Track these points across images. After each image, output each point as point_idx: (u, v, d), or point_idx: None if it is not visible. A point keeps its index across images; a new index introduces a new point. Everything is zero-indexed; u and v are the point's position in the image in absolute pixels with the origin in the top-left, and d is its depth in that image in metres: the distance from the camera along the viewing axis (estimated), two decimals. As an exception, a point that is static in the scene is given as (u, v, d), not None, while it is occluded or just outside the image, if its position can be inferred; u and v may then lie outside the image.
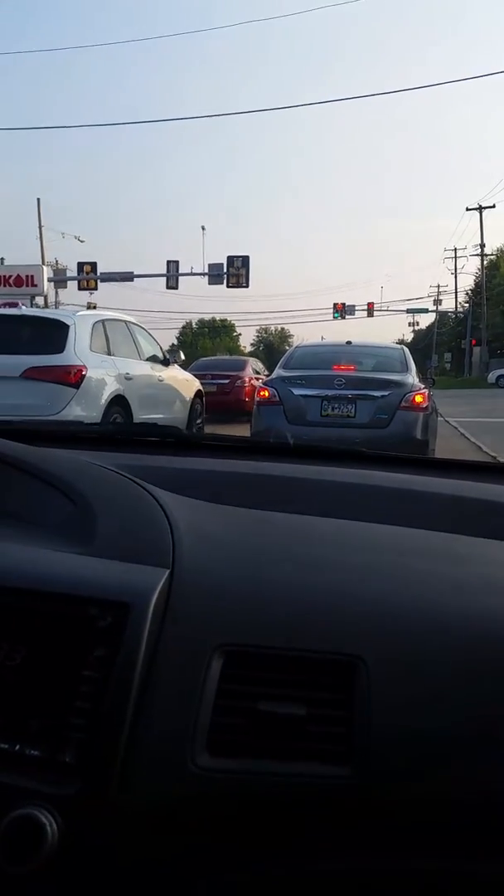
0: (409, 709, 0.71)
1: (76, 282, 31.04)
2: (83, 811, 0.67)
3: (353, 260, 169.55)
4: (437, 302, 62.03)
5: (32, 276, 26.21)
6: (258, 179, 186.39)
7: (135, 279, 31.38)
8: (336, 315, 45.11)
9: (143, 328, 8.97)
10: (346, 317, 45.70)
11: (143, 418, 7.65)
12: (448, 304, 62.27)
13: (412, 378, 7.34)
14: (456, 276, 58.96)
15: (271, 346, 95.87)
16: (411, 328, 78.71)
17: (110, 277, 30.81)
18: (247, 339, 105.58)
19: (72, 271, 32.02)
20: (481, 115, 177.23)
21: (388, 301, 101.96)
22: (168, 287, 30.50)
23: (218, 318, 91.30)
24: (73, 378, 6.54)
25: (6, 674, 0.71)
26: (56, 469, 0.95)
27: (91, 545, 0.82)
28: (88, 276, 30.15)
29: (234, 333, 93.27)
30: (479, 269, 51.07)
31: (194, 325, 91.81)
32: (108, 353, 7.37)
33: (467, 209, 48.72)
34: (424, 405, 6.95)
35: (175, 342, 65.43)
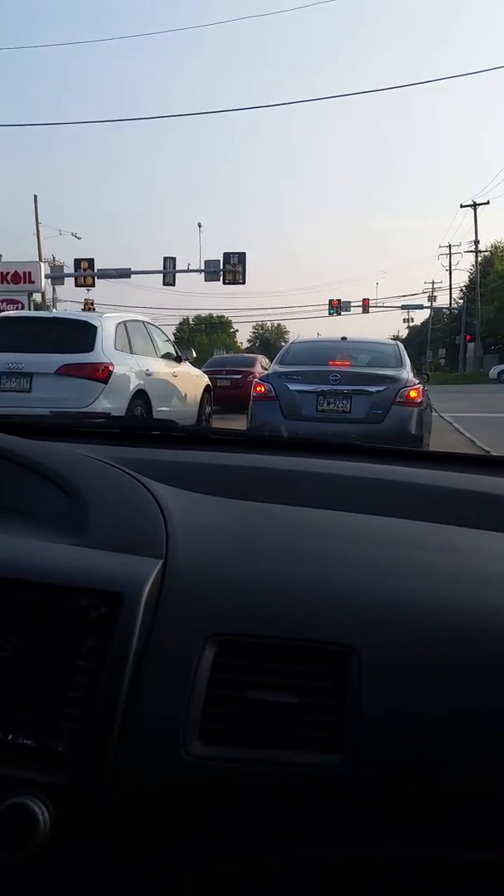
0: (400, 699, 0.71)
1: (73, 278, 30.98)
2: (75, 800, 0.67)
3: (348, 257, 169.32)
4: (432, 298, 61.88)
5: (30, 273, 26.11)
6: (255, 177, 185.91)
7: (132, 276, 31.34)
8: (331, 311, 45.05)
9: (158, 327, 9.77)
10: (342, 313, 45.64)
11: (160, 410, 8.41)
12: (442, 301, 62.29)
13: (407, 373, 7.36)
14: (451, 273, 58.95)
15: (267, 343, 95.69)
16: (406, 324, 78.88)
17: (107, 274, 30.71)
18: (243, 336, 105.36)
19: (69, 268, 31.88)
20: (476, 112, 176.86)
21: (383, 297, 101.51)
22: (165, 284, 30.44)
23: (214, 315, 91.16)
24: (101, 374, 7.23)
25: None
26: (50, 462, 0.95)
27: (85, 536, 0.82)
28: (86, 272, 30.06)
29: (231, 330, 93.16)
30: (473, 266, 51.08)
31: (191, 322, 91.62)
32: (130, 352, 8.06)
33: (461, 206, 48.72)
34: (419, 400, 6.98)
35: (172, 338, 64.93)
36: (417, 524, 0.98)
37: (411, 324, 79.31)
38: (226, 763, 0.69)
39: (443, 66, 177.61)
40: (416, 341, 68.95)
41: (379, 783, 0.70)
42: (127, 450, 1.22)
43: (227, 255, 28.22)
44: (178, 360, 9.68)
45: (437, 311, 63.49)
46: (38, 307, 30.06)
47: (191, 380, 10.00)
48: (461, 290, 58.17)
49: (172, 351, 9.72)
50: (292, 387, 7.14)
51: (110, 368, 7.33)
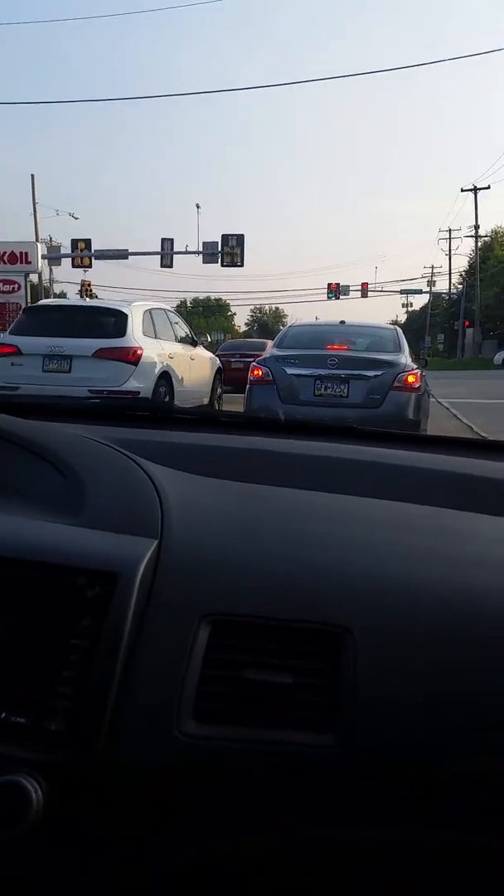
0: (395, 681, 0.71)
1: (70, 259, 30.84)
2: (69, 778, 0.68)
3: (347, 240, 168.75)
4: (431, 283, 61.87)
5: (27, 253, 25.98)
6: (254, 158, 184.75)
7: (129, 257, 31.19)
8: (330, 295, 45.02)
9: (176, 314, 10.87)
10: (341, 297, 45.60)
11: (180, 390, 9.36)
12: (442, 286, 62.20)
13: (405, 358, 7.35)
14: (450, 258, 58.85)
15: (265, 326, 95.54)
16: (405, 309, 78.78)
17: (104, 255, 30.58)
18: (241, 319, 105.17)
19: (66, 248, 31.74)
20: (479, 95, 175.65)
21: (381, 282, 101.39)
22: (163, 265, 30.31)
23: (212, 298, 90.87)
24: (132, 357, 8.19)
25: None
26: (46, 441, 0.95)
27: (80, 516, 0.82)
28: (83, 253, 29.91)
29: (229, 313, 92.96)
30: (472, 251, 50.93)
31: (189, 305, 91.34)
32: (155, 337, 9.00)
33: (462, 190, 48.57)
34: (417, 385, 6.98)
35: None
36: (414, 507, 0.98)
37: (410, 309, 79.31)
38: (220, 742, 0.69)
39: (447, 47, 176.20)
40: (415, 326, 68.95)
41: (373, 764, 0.70)
42: (123, 430, 1.22)
43: (225, 237, 28.12)
44: (194, 344, 10.59)
45: (436, 297, 63.40)
46: (34, 288, 29.97)
47: (205, 362, 10.95)
48: (461, 276, 58.13)
49: (189, 336, 10.63)
50: (290, 371, 7.13)
51: (140, 352, 8.26)
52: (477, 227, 49.46)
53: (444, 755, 0.70)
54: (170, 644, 0.71)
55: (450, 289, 59.82)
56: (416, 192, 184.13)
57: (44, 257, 28.86)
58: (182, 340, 10.19)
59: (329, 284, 45.51)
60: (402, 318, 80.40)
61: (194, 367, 10.19)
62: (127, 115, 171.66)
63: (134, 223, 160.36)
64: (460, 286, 56.22)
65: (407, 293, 58.62)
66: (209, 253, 28.43)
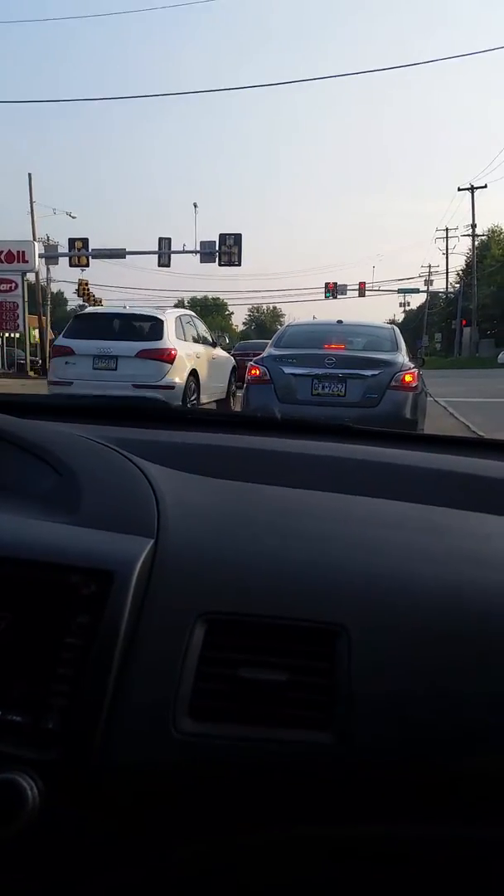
0: (390, 678, 0.71)
1: (67, 258, 30.80)
2: (65, 776, 0.68)
3: (345, 240, 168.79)
4: (428, 282, 61.91)
5: (24, 252, 25.98)
6: (251, 158, 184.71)
7: (127, 256, 31.15)
8: (327, 295, 45.02)
9: (199, 319, 12.35)
10: (338, 296, 45.60)
11: (205, 386, 10.83)
12: (439, 285, 62.24)
13: (402, 357, 7.37)
14: (447, 257, 58.86)
15: (263, 325, 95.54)
16: (402, 308, 78.72)
17: (102, 254, 30.57)
18: (238, 318, 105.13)
19: (63, 247, 31.74)
20: (476, 95, 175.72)
21: (379, 281, 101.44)
22: (160, 265, 30.32)
23: (210, 297, 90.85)
24: (169, 357, 9.65)
25: None
26: (42, 440, 0.95)
27: (76, 515, 0.82)
28: (80, 252, 29.92)
29: (226, 312, 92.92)
30: (469, 250, 50.97)
31: (186, 304, 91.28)
32: (185, 339, 10.49)
33: (459, 189, 48.61)
34: (414, 385, 7.00)
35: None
36: (408, 506, 0.98)
37: (407, 308, 79.26)
38: (216, 740, 0.69)
39: (442, 46, 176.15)
40: (412, 325, 68.91)
41: (369, 762, 0.70)
42: (119, 430, 1.22)
43: (222, 237, 28.14)
44: (214, 345, 12.06)
45: (433, 296, 63.46)
46: (31, 287, 29.90)
47: (223, 361, 12.38)
48: (458, 275, 58.16)
49: (209, 338, 12.17)
50: (287, 370, 7.14)
51: (174, 352, 9.72)
52: (474, 226, 49.52)
53: (440, 752, 0.71)
54: (166, 642, 0.71)
55: (447, 288, 59.89)
56: (414, 192, 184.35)
57: (41, 256, 28.84)
58: (204, 342, 11.60)
59: (326, 284, 45.52)
60: (400, 317, 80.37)
61: (215, 365, 11.59)
62: (125, 114, 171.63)
63: (131, 222, 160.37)
64: (457, 285, 56.27)
65: (404, 292, 58.82)
66: (207, 252, 28.45)
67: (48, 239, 36.03)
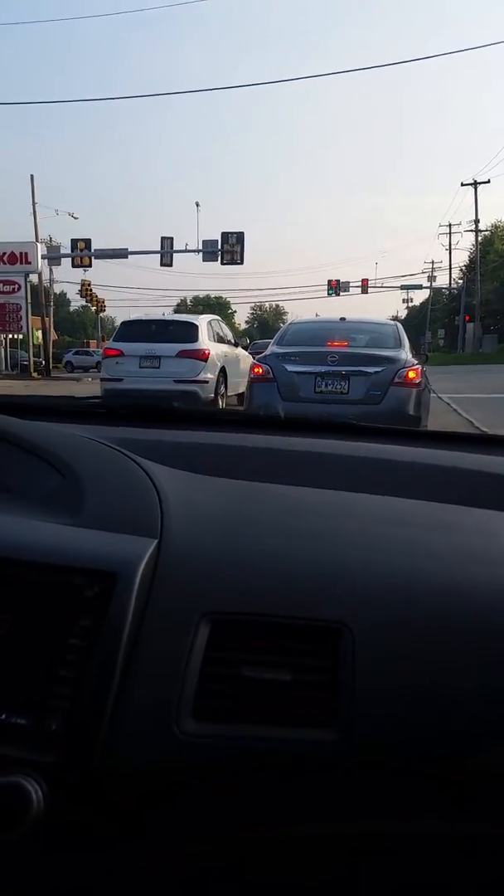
0: (394, 676, 0.71)
1: (70, 259, 30.82)
2: (69, 778, 0.68)
3: (348, 236, 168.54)
4: (432, 278, 61.67)
5: (26, 254, 26.00)
6: (254, 156, 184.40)
7: (129, 256, 31.18)
8: (330, 292, 45.00)
9: (223, 322, 14.17)
10: (341, 293, 45.58)
11: (230, 381, 12.28)
12: (442, 281, 62.03)
13: (405, 354, 7.34)
14: (450, 252, 58.76)
15: (266, 324, 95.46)
16: (405, 305, 78.48)
17: (104, 254, 30.62)
18: (241, 317, 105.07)
19: (65, 248, 31.75)
20: (479, 89, 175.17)
21: (382, 277, 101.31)
22: (162, 264, 30.33)
23: (213, 296, 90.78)
24: (204, 356, 11.30)
25: None
26: (45, 442, 0.95)
27: (79, 516, 0.82)
28: (82, 252, 29.96)
29: (229, 311, 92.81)
30: (473, 245, 50.84)
31: (189, 303, 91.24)
32: (214, 341, 12.11)
33: (462, 184, 48.44)
34: (417, 381, 6.97)
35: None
36: (411, 502, 0.98)
37: (410, 304, 79.04)
38: (219, 739, 0.69)
39: (445, 40, 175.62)
40: (416, 322, 68.87)
41: (372, 760, 0.70)
42: (123, 430, 1.22)
43: (225, 235, 28.14)
44: (235, 345, 13.68)
45: (436, 292, 63.26)
46: (34, 288, 29.89)
47: (243, 359, 13.33)
48: (461, 270, 57.98)
49: (231, 339, 13.84)
50: (290, 368, 7.13)
51: (208, 352, 11.39)
52: (477, 221, 49.42)
53: (444, 749, 0.70)
54: (169, 643, 0.71)
55: (450, 284, 59.69)
56: (417, 188, 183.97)
57: (44, 257, 28.87)
58: (228, 342, 13.23)
59: (329, 281, 45.53)
60: (403, 313, 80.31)
61: (237, 362, 12.90)
62: (127, 114, 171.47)
63: (134, 222, 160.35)
64: (461, 281, 56.10)
65: (407, 288, 58.68)
66: (209, 251, 28.45)
67: (51, 240, 36.10)
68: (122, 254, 30.80)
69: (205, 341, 11.62)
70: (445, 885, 0.77)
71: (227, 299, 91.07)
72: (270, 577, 0.77)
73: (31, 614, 0.72)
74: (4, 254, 25.75)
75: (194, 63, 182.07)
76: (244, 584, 0.76)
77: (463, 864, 0.76)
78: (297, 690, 0.71)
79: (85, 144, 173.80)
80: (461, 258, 63.12)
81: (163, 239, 29.76)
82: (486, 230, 53.57)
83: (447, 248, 58.56)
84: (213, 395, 11.25)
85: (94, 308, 46.57)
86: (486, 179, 49.29)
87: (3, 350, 32.80)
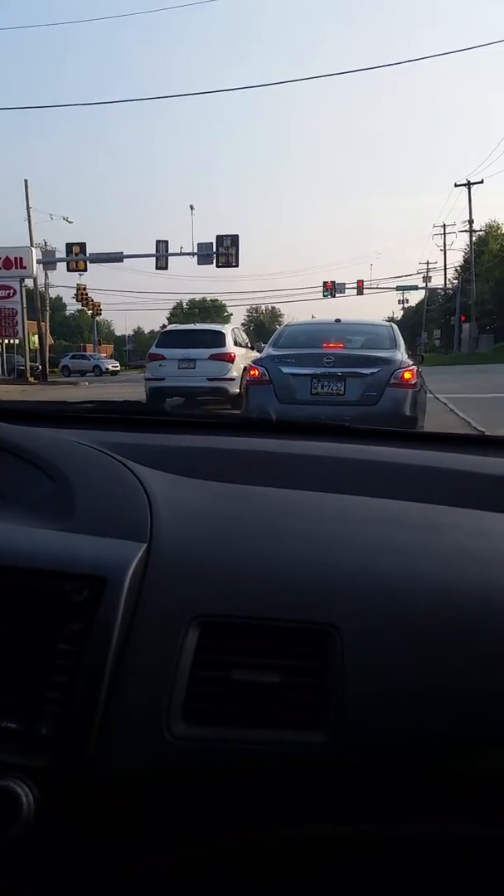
0: (384, 677, 0.71)
1: (65, 263, 30.84)
2: (59, 782, 0.68)
3: (343, 238, 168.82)
4: (427, 279, 61.84)
5: (21, 259, 26.02)
6: (247, 158, 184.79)
7: (124, 259, 31.21)
8: (325, 293, 45.08)
9: (241, 329, 15.99)
10: (336, 295, 45.64)
11: None
12: (437, 281, 62.18)
13: (401, 355, 7.36)
14: (445, 253, 58.86)
15: (262, 326, 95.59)
16: (401, 305, 78.50)
17: (99, 258, 30.65)
18: (237, 319, 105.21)
19: (60, 252, 31.76)
20: (472, 89, 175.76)
21: (377, 279, 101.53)
22: (158, 267, 30.37)
23: (208, 298, 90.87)
24: (230, 358, 13.30)
25: None
26: (35, 446, 0.95)
27: (69, 521, 0.82)
28: (77, 257, 29.99)
29: (225, 313, 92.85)
30: (467, 246, 50.93)
31: (185, 306, 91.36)
32: (237, 345, 14.04)
33: (456, 185, 48.53)
34: (413, 382, 6.99)
35: (166, 322, 66.27)
36: (408, 504, 0.98)
37: (406, 305, 79.09)
38: (209, 743, 0.69)
39: (438, 42, 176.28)
40: (411, 322, 68.91)
41: (363, 761, 0.70)
42: (113, 434, 1.22)
43: (219, 238, 28.17)
44: (252, 348, 15.11)
45: (431, 292, 63.36)
46: (29, 293, 29.90)
47: None
48: (456, 271, 58.07)
49: (248, 342, 15.98)
50: (286, 370, 7.14)
51: (234, 355, 13.37)
52: (471, 221, 49.45)
53: (434, 750, 0.70)
54: (159, 647, 0.71)
55: (445, 284, 59.85)
56: (411, 189, 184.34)
57: (39, 262, 28.88)
58: (246, 346, 15.13)
59: (325, 282, 45.58)
60: (399, 314, 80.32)
61: None
62: (120, 118, 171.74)
63: (128, 226, 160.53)
64: (456, 281, 56.22)
65: (403, 289, 58.64)
66: (204, 254, 28.49)
67: (46, 244, 36.00)
68: (117, 257, 30.84)
69: (231, 346, 13.69)
70: (437, 887, 0.77)
71: (223, 302, 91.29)
72: (260, 580, 0.77)
73: (21, 619, 0.72)
74: (-1, 259, 25.76)
75: (188, 65, 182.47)
76: (233, 588, 0.76)
77: (454, 866, 0.76)
78: (286, 693, 0.71)
79: (79, 148, 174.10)
80: (456, 258, 63.13)
81: (158, 242, 29.75)
82: (481, 230, 53.75)
83: (442, 248, 58.72)
84: (238, 390, 12.44)
85: (90, 312, 46.69)
86: (480, 180, 49.35)
87: (-1, 355, 32.85)
